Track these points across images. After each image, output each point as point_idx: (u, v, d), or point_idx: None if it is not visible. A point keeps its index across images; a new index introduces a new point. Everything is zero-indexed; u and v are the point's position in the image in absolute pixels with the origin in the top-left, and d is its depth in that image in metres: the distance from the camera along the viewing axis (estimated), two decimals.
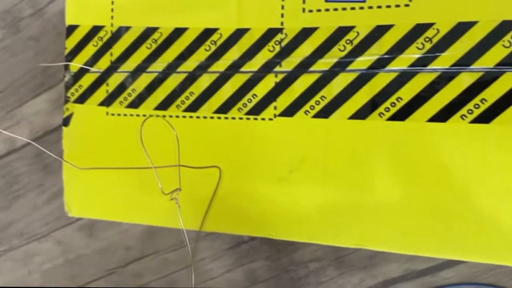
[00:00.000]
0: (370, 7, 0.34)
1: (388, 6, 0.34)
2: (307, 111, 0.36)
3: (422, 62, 0.33)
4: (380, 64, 0.34)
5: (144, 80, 0.41)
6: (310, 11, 0.36)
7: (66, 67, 0.44)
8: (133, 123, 0.41)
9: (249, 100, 0.38)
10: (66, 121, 0.44)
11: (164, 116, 0.40)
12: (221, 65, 0.39)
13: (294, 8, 0.36)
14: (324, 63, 0.36)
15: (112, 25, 0.42)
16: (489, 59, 0.32)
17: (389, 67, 0.34)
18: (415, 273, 0.40)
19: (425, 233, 0.34)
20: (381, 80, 0.34)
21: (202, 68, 0.39)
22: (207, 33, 0.39)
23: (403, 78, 0.34)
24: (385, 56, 0.34)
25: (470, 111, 0.32)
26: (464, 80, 0.32)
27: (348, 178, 0.36)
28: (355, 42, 0.35)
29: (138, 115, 0.41)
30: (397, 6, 0.33)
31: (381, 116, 0.34)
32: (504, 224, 0.32)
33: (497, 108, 0.32)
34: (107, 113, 0.42)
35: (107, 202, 0.44)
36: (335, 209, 0.36)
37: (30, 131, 0.50)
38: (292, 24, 0.36)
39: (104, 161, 0.42)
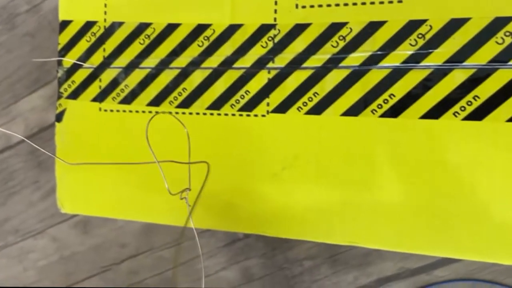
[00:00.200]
0: (363, 3, 0.34)
1: (381, 3, 0.34)
2: (300, 107, 0.36)
3: (415, 59, 0.33)
4: (373, 60, 0.34)
5: (137, 76, 0.41)
6: (303, 7, 0.36)
7: (59, 63, 0.44)
8: (126, 119, 0.42)
9: (242, 97, 0.38)
10: (59, 117, 0.44)
11: (157, 112, 0.40)
12: (214, 61, 0.39)
13: (287, 4, 0.36)
14: (317, 59, 0.36)
15: (105, 20, 0.42)
16: (482, 56, 0.32)
17: (382, 64, 0.34)
18: (410, 272, 0.40)
19: (419, 230, 0.35)
20: (373, 77, 0.34)
21: (195, 64, 0.39)
22: (200, 29, 0.39)
23: (396, 74, 0.34)
24: (378, 52, 0.34)
25: (463, 108, 0.32)
26: (457, 77, 0.33)
27: (341, 175, 0.36)
28: (348, 39, 0.35)
29: (131, 111, 0.41)
30: (390, 2, 0.33)
31: (373, 113, 0.34)
32: (498, 222, 0.33)
33: (490, 105, 0.32)
34: (100, 109, 0.43)
35: (100, 199, 0.44)
36: (327, 206, 0.36)
37: (25, 128, 0.51)
38: (285, 20, 0.36)
39: (96, 157, 0.42)
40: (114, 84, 0.42)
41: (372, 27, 0.34)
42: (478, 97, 0.32)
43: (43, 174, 0.50)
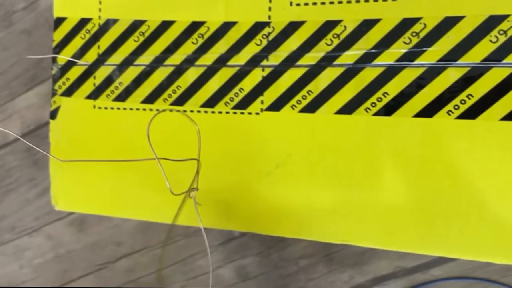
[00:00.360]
0: (358, 1, 0.34)
1: (376, 0, 0.34)
2: (294, 105, 0.36)
3: (409, 57, 0.34)
4: (367, 58, 0.34)
5: (131, 73, 0.41)
6: (298, 4, 0.36)
7: (54, 60, 0.44)
8: (120, 117, 0.42)
9: (236, 94, 0.38)
10: (53, 114, 0.45)
11: (151, 109, 0.40)
12: (208, 59, 0.39)
13: (282, 2, 0.36)
14: (311, 57, 0.36)
15: (99, 17, 0.42)
16: (476, 54, 0.32)
17: (376, 62, 0.34)
18: (405, 271, 0.40)
19: (411, 229, 0.35)
20: (367, 75, 0.35)
21: (189, 61, 0.39)
22: (194, 26, 0.39)
23: (389, 73, 0.34)
24: (372, 50, 0.34)
25: (456, 107, 0.32)
26: (451, 75, 0.33)
27: (334, 174, 0.36)
28: (342, 36, 0.35)
29: (125, 109, 0.41)
30: (384, 0, 0.34)
31: (367, 111, 0.34)
32: (492, 221, 0.33)
33: (484, 104, 0.32)
34: (94, 106, 0.43)
35: (94, 196, 0.44)
36: (320, 204, 0.36)
37: (21, 125, 0.51)
38: (279, 18, 0.37)
39: (90, 155, 0.43)
40: (108, 81, 0.42)
41: (366, 25, 0.34)
42: (472, 96, 0.32)
43: (39, 172, 0.51)
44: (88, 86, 0.43)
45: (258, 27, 0.37)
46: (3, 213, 0.52)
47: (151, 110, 0.40)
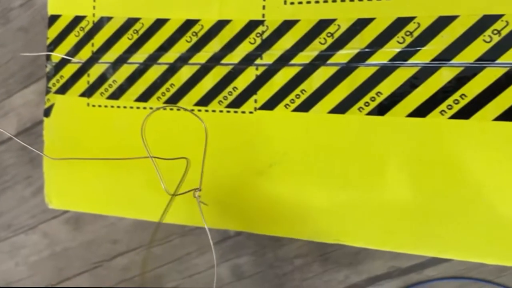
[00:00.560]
0: (352, 0, 0.34)
1: None
2: (288, 104, 0.37)
3: (402, 56, 0.34)
4: (360, 58, 0.35)
5: (125, 71, 0.41)
6: (292, 3, 0.36)
7: (48, 57, 0.44)
8: (114, 115, 0.42)
9: (230, 93, 0.38)
10: (47, 112, 0.45)
11: (144, 108, 0.40)
12: (202, 57, 0.39)
13: (276, 0, 0.36)
14: (305, 56, 0.36)
15: (94, 15, 0.42)
16: (470, 54, 0.32)
17: (369, 61, 0.34)
18: (400, 271, 0.40)
19: (407, 230, 0.35)
20: (361, 74, 0.35)
21: (183, 59, 0.39)
22: (188, 24, 0.39)
23: (383, 72, 0.34)
24: (366, 49, 0.34)
25: (450, 107, 0.33)
26: (444, 75, 0.33)
27: (329, 173, 0.36)
28: (336, 35, 0.35)
29: (118, 107, 0.41)
30: None
31: (360, 111, 0.34)
32: (485, 222, 0.33)
33: (477, 104, 0.32)
34: (88, 104, 0.43)
35: (88, 195, 0.44)
36: (314, 204, 0.37)
37: (18, 123, 0.51)
38: (273, 16, 0.37)
39: (84, 153, 0.43)
40: (102, 79, 0.42)
41: (360, 24, 0.35)
42: (465, 96, 0.32)
43: (35, 170, 0.51)
44: (82, 84, 0.43)
45: (252, 25, 0.37)
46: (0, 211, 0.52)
47: (144, 108, 0.41)
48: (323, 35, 0.36)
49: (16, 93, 0.51)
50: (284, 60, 0.37)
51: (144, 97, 0.41)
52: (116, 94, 0.42)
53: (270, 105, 0.37)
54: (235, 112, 0.38)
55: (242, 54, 0.38)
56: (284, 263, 0.43)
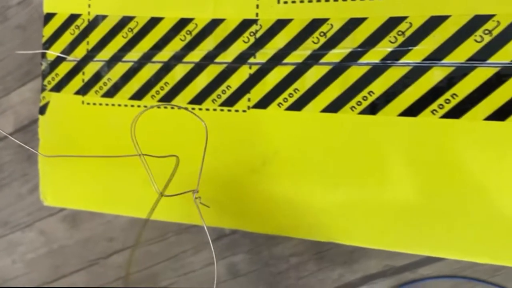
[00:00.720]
0: (344, 0, 0.35)
1: None
2: (280, 103, 0.37)
3: (394, 56, 0.34)
4: (352, 57, 0.35)
5: (119, 70, 0.42)
6: (285, 2, 0.37)
7: (43, 55, 0.45)
8: (109, 112, 0.43)
9: (223, 92, 0.39)
10: (42, 110, 0.45)
11: (139, 106, 0.41)
12: (196, 56, 0.39)
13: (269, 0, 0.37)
14: (298, 55, 0.36)
15: (89, 13, 0.43)
16: (461, 54, 0.33)
17: (361, 61, 0.35)
18: (394, 270, 0.41)
19: (400, 228, 0.35)
20: (353, 74, 0.35)
21: (177, 58, 0.40)
22: (182, 23, 0.40)
23: (375, 72, 0.35)
24: (358, 49, 0.35)
25: (441, 106, 0.33)
26: (436, 75, 0.33)
27: (320, 172, 0.37)
28: (329, 35, 0.36)
29: (113, 105, 0.42)
30: None
31: (352, 110, 0.35)
32: (478, 220, 0.33)
33: (468, 103, 0.33)
34: (83, 102, 0.43)
35: (82, 192, 0.45)
36: (307, 202, 0.37)
37: (15, 120, 0.52)
38: (267, 16, 0.37)
39: (79, 150, 0.43)
40: (97, 77, 0.43)
41: (353, 24, 0.35)
42: (456, 95, 0.33)
43: (32, 167, 0.52)
44: (77, 82, 0.44)
45: (246, 24, 0.38)
46: None
47: (139, 106, 0.41)
48: (316, 34, 0.36)
49: (14, 91, 0.51)
50: (277, 59, 0.37)
51: (138, 95, 0.41)
52: (111, 92, 0.43)
53: (263, 104, 0.38)
54: (229, 110, 0.39)
55: (236, 53, 0.38)
56: (279, 261, 0.44)
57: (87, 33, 0.43)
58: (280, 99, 0.37)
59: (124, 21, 0.42)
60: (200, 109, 0.39)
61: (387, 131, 0.35)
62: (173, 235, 0.47)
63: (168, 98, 0.41)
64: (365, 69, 0.35)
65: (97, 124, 0.43)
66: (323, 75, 0.36)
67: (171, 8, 0.40)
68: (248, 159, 0.39)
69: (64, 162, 0.43)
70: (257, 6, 0.38)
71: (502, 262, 0.34)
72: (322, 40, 0.36)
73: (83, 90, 0.43)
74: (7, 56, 0.52)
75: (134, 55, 0.42)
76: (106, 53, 0.43)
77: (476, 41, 0.32)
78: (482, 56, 0.32)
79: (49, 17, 0.45)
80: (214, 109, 0.39)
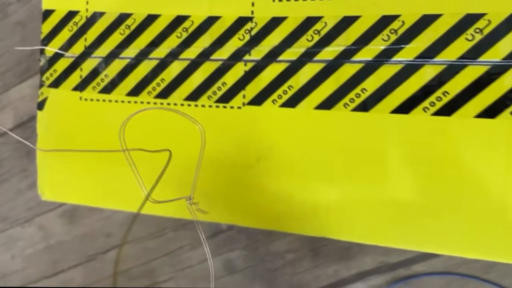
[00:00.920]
0: None
1: None
2: (275, 100, 0.38)
3: (387, 54, 0.35)
4: (346, 55, 0.36)
5: (116, 66, 0.43)
6: (280, 0, 0.37)
7: (42, 52, 0.46)
8: (106, 109, 0.43)
9: (219, 88, 0.39)
10: (40, 105, 0.46)
11: (135, 102, 0.42)
12: (192, 53, 0.40)
13: None
14: (292, 53, 0.37)
15: (87, 10, 0.44)
16: (452, 52, 0.33)
17: (354, 58, 0.36)
18: (389, 266, 0.41)
19: (394, 224, 0.36)
20: (346, 71, 0.36)
21: (174, 55, 0.41)
22: (179, 20, 0.40)
23: (368, 69, 0.35)
24: (352, 47, 0.36)
25: (432, 104, 0.34)
26: (427, 73, 0.34)
27: (315, 168, 0.37)
28: (323, 33, 0.36)
29: (110, 101, 0.43)
30: None
31: (346, 107, 0.36)
32: (471, 216, 0.34)
33: (459, 101, 0.33)
34: (81, 98, 0.44)
35: (79, 187, 0.46)
36: (302, 198, 0.38)
37: (14, 117, 0.53)
38: (262, 13, 0.38)
39: (76, 146, 0.44)
40: (94, 73, 0.44)
41: (346, 22, 0.36)
42: (448, 93, 0.34)
43: (31, 163, 0.52)
44: (75, 78, 0.45)
45: (241, 22, 0.39)
46: None
47: (135, 102, 0.42)
48: (310, 32, 0.37)
49: (13, 87, 0.52)
50: (272, 56, 0.38)
51: (135, 91, 0.42)
52: (108, 88, 0.43)
53: (258, 100, 0.39)
54: (224, 107, 0.39)
55: (231, 50, 0.39)
56: (275, 257, 0.45)
57: (85, 30, 0.44)
58: (274, 96, 0.38)
59: (122, 18, 0.43)
60: (196, 105, 0.40)
61: (380, 128, 0.36)
62: (170, 231, 0.48)
63: (164, 94, 0.41)
64: (358, 66, 0.36)
65: (95, 119, 0.44)
66: (317, 72, 0.37)
67: (167, 6, 0.41)
68: (243, 155, 0.39)
69: (61, 157, 0.44)
70: (253, 4, 0.38)
71: (495, 259, 0.34)
72: (316, 38, 0.36)
73: (81, 86, 0.44)
74: (6, 52, 0.53)
75: (131, 51, 0.42)
76: (104, 50, 0.43)
77: (467, 39, 0.33)
78: (473, 54, 0.33)
79: (47, 13, 0.45)
80: (210, 106, 0.40)
